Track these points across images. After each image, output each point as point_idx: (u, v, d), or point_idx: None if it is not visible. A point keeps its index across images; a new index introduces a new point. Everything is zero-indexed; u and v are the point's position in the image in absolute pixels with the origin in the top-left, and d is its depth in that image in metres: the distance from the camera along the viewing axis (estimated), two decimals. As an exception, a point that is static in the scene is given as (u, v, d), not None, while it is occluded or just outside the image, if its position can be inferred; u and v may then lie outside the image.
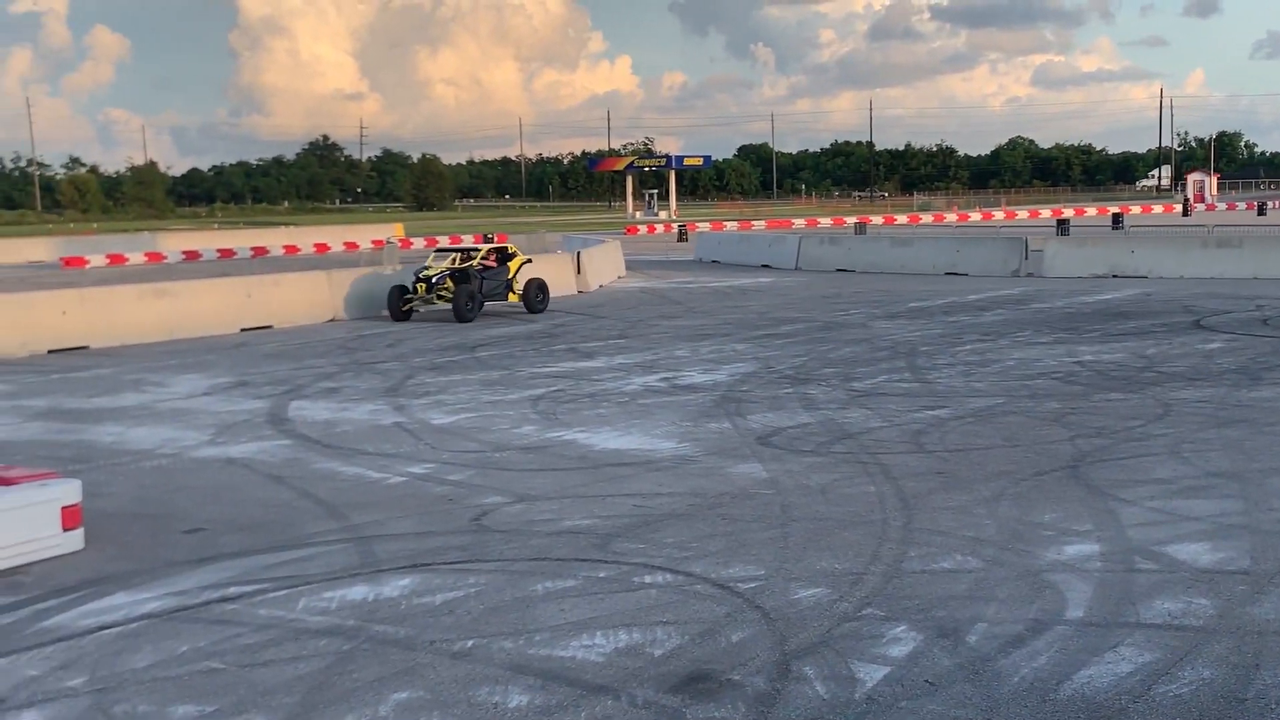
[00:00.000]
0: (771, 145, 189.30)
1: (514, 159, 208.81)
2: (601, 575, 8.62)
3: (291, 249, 58.48)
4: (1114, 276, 33.45)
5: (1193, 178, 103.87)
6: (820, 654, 6.99)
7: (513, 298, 28.04)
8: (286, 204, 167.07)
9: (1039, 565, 8.54)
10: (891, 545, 9.13)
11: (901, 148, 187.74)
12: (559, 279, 31.83)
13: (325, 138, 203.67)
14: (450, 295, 26.70)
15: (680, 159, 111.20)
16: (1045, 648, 6.99)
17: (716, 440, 13.21)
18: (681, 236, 61.47)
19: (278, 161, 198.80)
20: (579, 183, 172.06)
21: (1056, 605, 7.71)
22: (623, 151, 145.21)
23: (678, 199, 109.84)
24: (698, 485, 11.18)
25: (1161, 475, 11.10)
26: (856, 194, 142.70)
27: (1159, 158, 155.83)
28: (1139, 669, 6.66)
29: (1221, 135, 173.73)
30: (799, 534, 9.52)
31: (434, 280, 26.81)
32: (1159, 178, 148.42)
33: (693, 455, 12.49)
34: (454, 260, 27.83)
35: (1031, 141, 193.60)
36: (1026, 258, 35.74)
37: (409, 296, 26.99)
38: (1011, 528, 9.51)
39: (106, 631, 7.73)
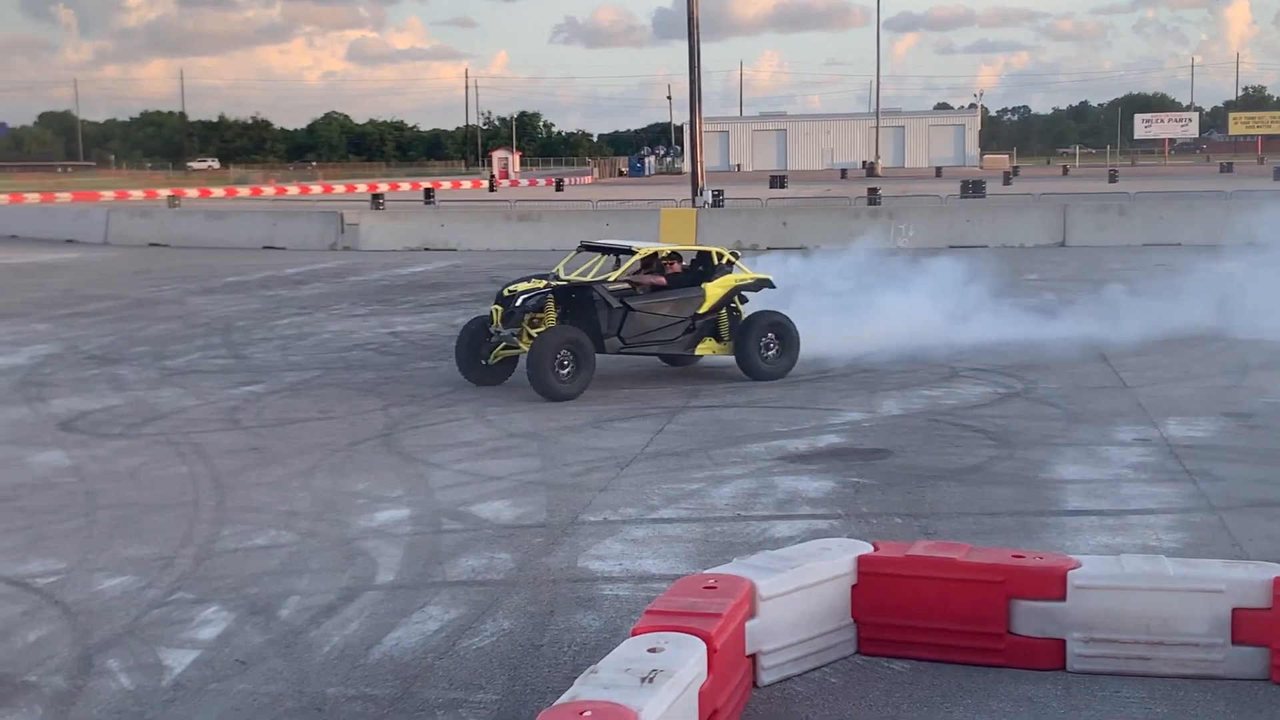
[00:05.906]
0: (76, 113, 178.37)
1: None
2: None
3: None
4: (426, 249, 34.57)
5: (497, 155, 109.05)
6: (125, 645, 6.71)
7: (714, 349, 14.41)
8: None
9: (352, 534, 8.68)
10: (204, 526, 8.93)
11: (216, 119, 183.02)
12: None
13: None
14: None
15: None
16: (356, 614, 7.13)
17: (11, 429, 12.31)
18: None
19: None
20: None
21: (368, 572, 7.88)
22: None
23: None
24: (-9, 478, 10.37)
25: (468, 438, 11.61)
26: (172, 165, 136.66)
27: (466, 135, 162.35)
28: (444, 626, 6.94)
29: (523, 115, 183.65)
30: (105, 522, 9.09)
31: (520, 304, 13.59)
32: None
33: (-15, 446, 11.57)
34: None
35: (347, 117, 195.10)
36: (343, 231, 36.13)
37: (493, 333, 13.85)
38: (325, 499, 9.59)
39: None
